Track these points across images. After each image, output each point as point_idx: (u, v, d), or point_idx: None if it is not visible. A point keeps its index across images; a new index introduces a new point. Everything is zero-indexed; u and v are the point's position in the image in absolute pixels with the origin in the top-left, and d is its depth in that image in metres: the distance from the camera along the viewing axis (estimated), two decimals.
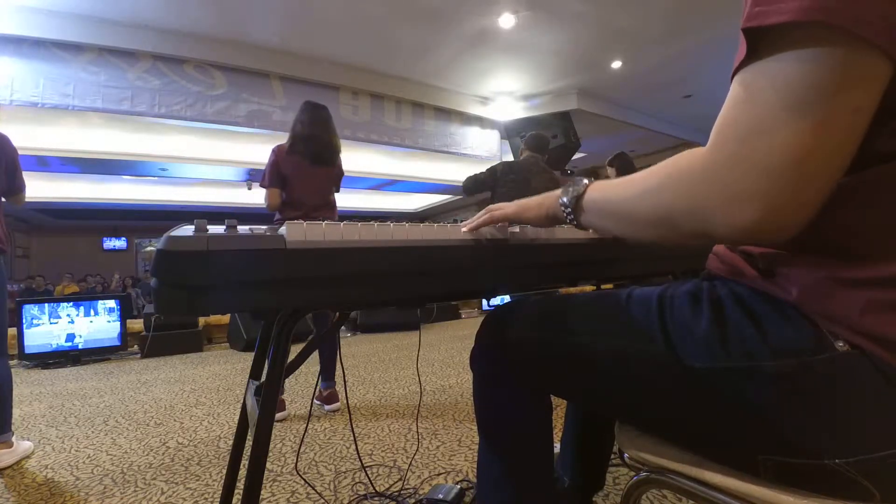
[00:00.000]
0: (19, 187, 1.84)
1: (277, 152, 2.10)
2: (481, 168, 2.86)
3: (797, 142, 0.34)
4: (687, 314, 0.49)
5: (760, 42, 0.36)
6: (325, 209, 2.22)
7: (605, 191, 0.51)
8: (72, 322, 3.95)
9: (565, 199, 0.55)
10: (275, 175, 2.08)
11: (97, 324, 4.06)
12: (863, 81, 0.34)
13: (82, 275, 10.40)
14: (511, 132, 6.05)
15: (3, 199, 1.81)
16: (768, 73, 0.36)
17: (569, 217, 0.55)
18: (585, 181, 0.54)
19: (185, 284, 0.44)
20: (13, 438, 1.72)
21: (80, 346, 3.93)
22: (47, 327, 3.85)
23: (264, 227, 0.52)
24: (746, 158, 0.36)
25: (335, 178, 2.27)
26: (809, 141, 0.34)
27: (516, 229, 0.68)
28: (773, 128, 0.35)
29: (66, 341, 3.89)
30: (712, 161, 0.39)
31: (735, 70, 0.39)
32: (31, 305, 3.82)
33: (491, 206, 0.66)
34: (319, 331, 2.24)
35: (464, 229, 0.63)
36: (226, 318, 4.62)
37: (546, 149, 2.96)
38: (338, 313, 0.80)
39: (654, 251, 0.90)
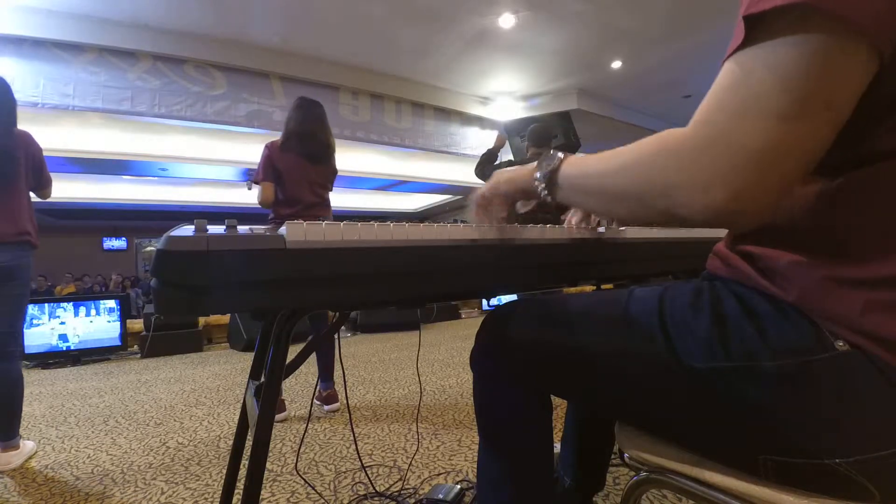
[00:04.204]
0: (46, 183, 1.91)
1: (271, 147, 2.09)
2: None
3: (765, 128, 0.35)
4: (687, 314, 0.49)
5: (756, 29, 0.36)
6: (320, 207, 2.19)
7: (581, 166, 0.51)
8: (69, 323, 3.95)
9: (539, 175, 0.54)
10: (269, 169, 2.05)
11: (97, 324, 4.06)
12: (842, 73, 0.34)
13: (82, 275, 10.41)
14: (511, 132, 6.04)
15: (31, 195, 1.85)
16: (756, 58, 0.36)
17: (543, 192, 0.55)
18: (560, 155, 0.53)
19: (185, 284, 0.44)
20: (19, 440, 1.74)
21: (79, 347, 3.93)
22: (47, 327, 3.85)
23: (264, 227, 0.52)
24: (718, 141, 0.37)
25: (330, 176, 2.25)
26: (777, 128, 0.35)
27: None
28: (745, 113, 0.36)
29: (65, 341, 3.89)
30: (688, 142, 0.39)
31: (727, 55, 0.39)
32: (31, 305, 3.82)
33: (472, 196, 0.65)
34: (317, 332, 2.24)
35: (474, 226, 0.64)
36: (226, 318, 4.61)
37: (549, 141, 2.91)
38: (338, 313, 0.80)
39: (654, 251, 0.90)
